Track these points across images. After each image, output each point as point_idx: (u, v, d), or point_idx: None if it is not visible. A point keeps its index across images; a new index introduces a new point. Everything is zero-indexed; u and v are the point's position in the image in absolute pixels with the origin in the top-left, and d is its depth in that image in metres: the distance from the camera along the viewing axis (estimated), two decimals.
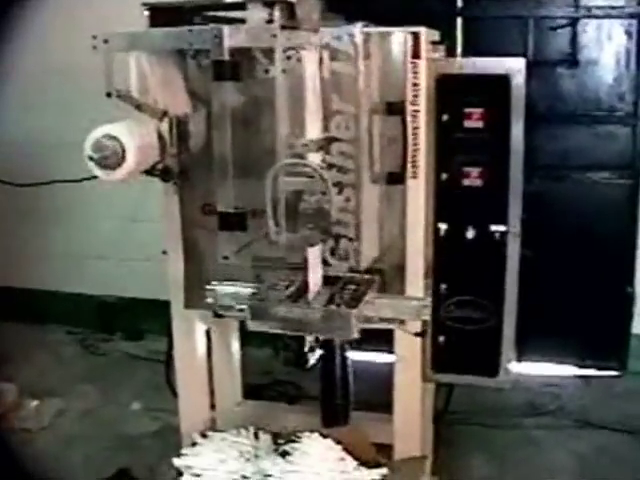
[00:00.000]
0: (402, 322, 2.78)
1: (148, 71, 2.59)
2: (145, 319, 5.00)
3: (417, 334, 2.81)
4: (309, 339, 2.78)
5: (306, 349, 3.08)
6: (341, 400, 3.04)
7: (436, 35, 2.94)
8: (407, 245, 2.80)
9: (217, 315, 2.91)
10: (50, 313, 5.30)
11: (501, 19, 4.27)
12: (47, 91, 4.87)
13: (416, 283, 2.84)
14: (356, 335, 2.48)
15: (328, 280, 2.61)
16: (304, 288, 2.56)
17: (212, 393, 3.39)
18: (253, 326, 2.53)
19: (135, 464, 3.64)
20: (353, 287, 2.62)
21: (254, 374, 4.11)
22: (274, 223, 2.38)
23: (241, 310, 2.63)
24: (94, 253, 5.22)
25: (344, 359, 3.04)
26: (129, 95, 2.59)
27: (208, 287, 2.76)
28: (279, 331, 2.57)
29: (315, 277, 2.54)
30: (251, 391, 3.77)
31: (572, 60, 4.27)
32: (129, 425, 4.20)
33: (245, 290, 2.67)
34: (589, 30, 4.26)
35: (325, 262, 2.59)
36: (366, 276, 2.69)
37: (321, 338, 2.74)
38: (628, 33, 4.22)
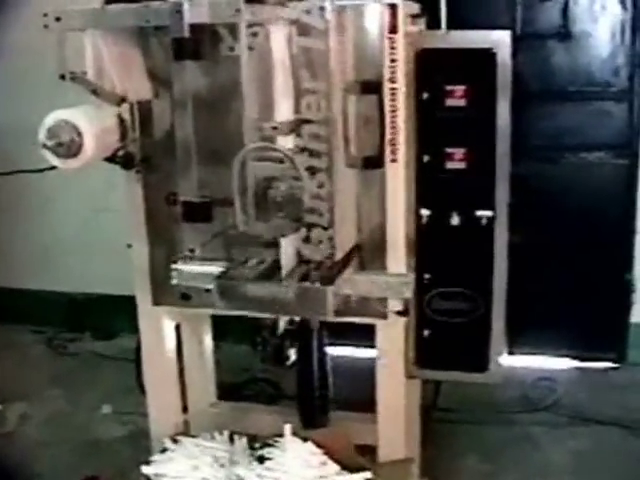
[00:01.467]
0: (383, 301, 2.74)
1: (105, 51, 2.54)
2: (116, 316, 4.92)
3: (399, 313, 2.77)
4: (282, 324, 2.76)
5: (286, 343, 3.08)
6: (320, 398, 3.03)
7: (416, 7, 2.89)
8: (387, 233, 2.76)
9: (184, 297, 2.87)
10: (14, 311, 5.23)
11: None
12: (5, 74, 4.81)
13: (398, 260, 2.79)
14: (332, 315, 2.45)
15: (302, 259, 2.59)
16: (276, 266, 2.53)
17: (184, 394, 3.35)
18: (222, 307, 2.50)
19: (104, 471, 3.58)
20: (329, 264, 2.58)
21: (230, 372, 4.08)
22: (242, 212, 2.35)
23: (208, 290, 2.59)
24: (59, 247, 5.17)
25: (322, 354, 3.02)
26: (84, 78, 2.55)
27: (173, 266, 2.71)
28: (249, 313, 2.54)
29: (288, 253, 2.51)
30: (227, 391, 3.73)
31: (563, 33, 4.25)
32: (98, 429, 4.16)
33: (213, 268, 2.62)
34: (581, 0, 4.22)
35: (298, 253, 2.55)
36: None
37: (296, 319, 2.71)
38: (622, 3, 4.20)
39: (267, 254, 2.60)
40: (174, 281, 2.70)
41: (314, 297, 2.43)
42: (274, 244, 2.52)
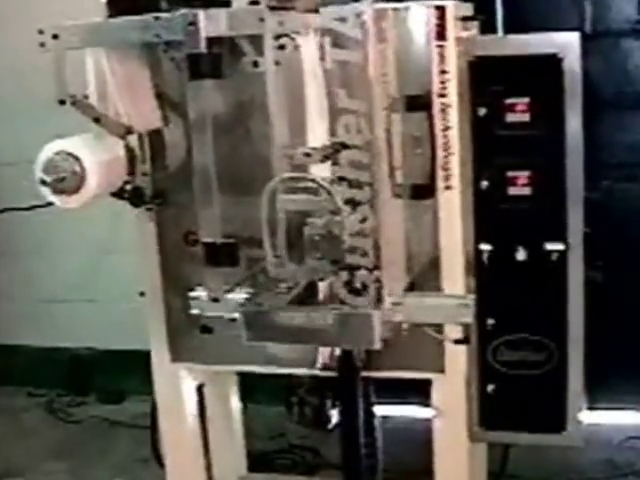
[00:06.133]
0: (438, 328, 2.73)
1: (108, 72, 2.58)
2: (126, 375, 4.98)
3: (457, 341, 2.75)
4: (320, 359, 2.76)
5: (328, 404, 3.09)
6: (368, 467, 3.02)
7: (467, 9, 2.92)
8: (442, 273, 2.78)
9: (205, 330, 2.87)
10: (7, 371, 5.28)
11: None
12: None
13: (454, 281, 2.82)
14: (379, 344, 2.42)
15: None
16: (311, 289, 2.52)
17: (209, 465, 3.37)
18: (249, 338, 2.49)
19: None
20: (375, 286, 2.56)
21: (262, 439, 4.09)
22: (273, 253, 2.37)
23: (233, 320, 2.57)
24: (59, 295, 5.21)
25: (370, 415, 3.02)
26: (86, 103, 2.59)
27: (191, 294, 2.70)
28: (281, 343, 2.53)
29: None
30: (258, 460, 3.74)
31: None
32: None
33: (237, 295, 2.60)
34: None
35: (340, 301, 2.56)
36: None
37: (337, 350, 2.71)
38: None
39: None
40: (193, 311, 2.70)
41: (358, 324, 2.41)
42: None
